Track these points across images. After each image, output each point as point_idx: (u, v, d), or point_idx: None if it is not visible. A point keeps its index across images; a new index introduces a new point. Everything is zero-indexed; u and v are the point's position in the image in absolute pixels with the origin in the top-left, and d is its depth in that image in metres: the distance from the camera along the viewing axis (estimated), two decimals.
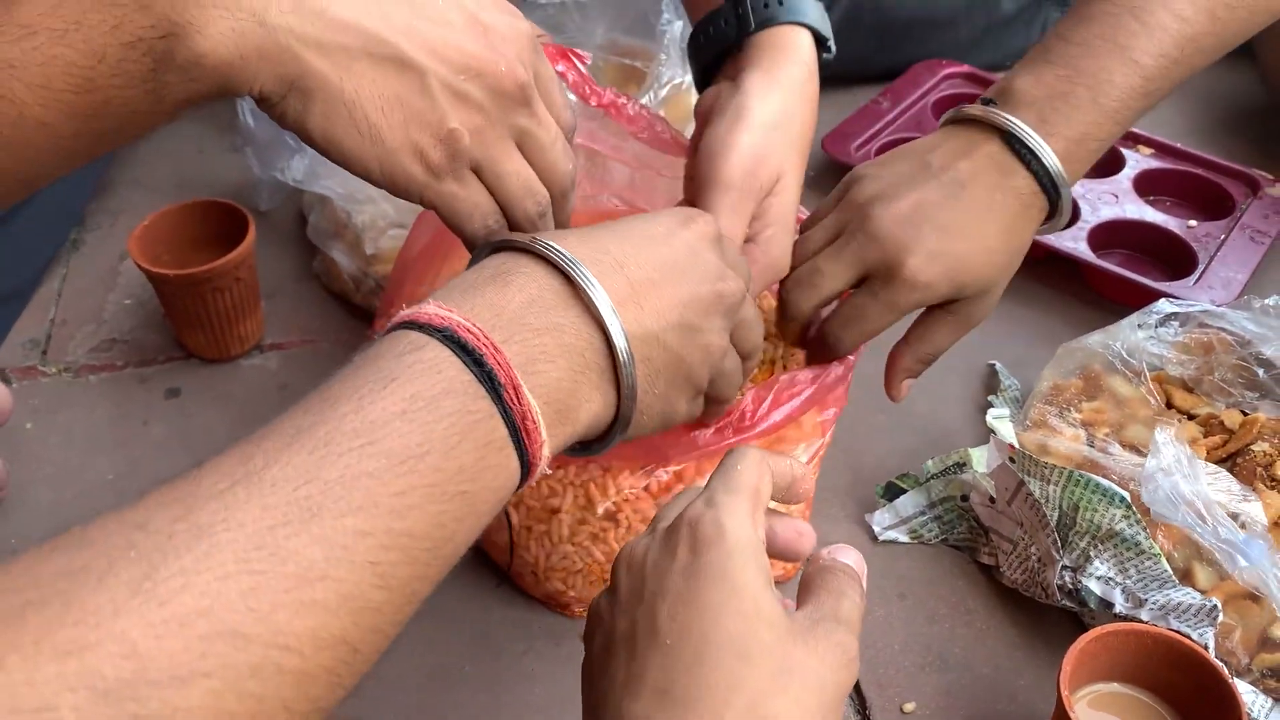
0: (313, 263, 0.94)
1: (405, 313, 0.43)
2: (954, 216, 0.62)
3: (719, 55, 0.66)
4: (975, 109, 0.64)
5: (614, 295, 0.46)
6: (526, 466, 0.42)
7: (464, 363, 0.41)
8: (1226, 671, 0.58)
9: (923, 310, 0.66)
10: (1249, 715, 0.61)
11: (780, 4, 0.64)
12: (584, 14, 1.02)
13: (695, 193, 0.60)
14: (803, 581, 0.48)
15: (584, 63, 0.66)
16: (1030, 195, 0.63)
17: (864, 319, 0.64)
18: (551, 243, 0.46)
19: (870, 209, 0.62)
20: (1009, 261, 0.65)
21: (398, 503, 0.37)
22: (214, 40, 0.43)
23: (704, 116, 0.64)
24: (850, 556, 0.49)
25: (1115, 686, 0.61)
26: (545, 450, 0.43)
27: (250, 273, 0.84)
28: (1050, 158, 0.62)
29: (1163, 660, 0.59)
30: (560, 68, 0.66)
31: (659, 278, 0.48)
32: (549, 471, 0.44)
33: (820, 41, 0.67)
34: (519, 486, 0.43)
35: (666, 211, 0.53)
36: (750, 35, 0.64)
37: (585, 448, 0.50)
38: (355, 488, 0.36)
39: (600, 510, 0.65)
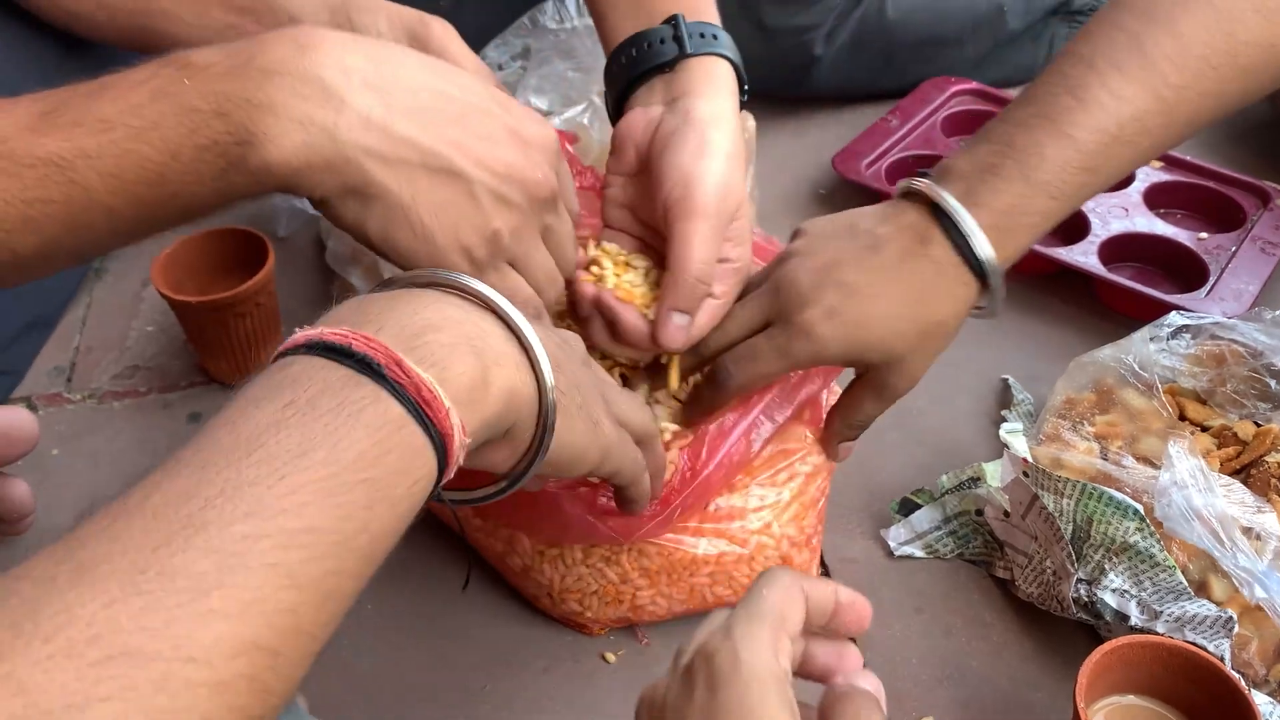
0: (331, 287, 0.95)
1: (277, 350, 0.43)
2: (860, 277, 0.61)
3: (643, 74, 0.66)
4: (916, 182, 0.63)
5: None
6: (441, 442, 0.41)
7: (336, 361, 0.40)
8: (1243, 683, 0.58)
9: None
10: None
11: (715, 38, 0.66)
12: (594, 38, 1.03)
13: (673, 222, 0.61)
14: (822, 709, 0.44)
15: (573, 143, 0.69)
16: (950, 266, 0.61)
17: (754, 359, 0.63)
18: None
19: (787, 260, 0.63)
20: (920, 331, 0.62)
21: (289, 502, 0.36)
22: (286, 151, 0.47)
23: (659, 144, 0.63)
24: (869, 681, 0.46)
25: (1131, 699, 0.61)
26: (454, 419, 0.41)
27: (271, 298, 0.85)
28: (969, 224, 0.60)
29: (1179, 672, 0.60)
30: None
31: None
32: (466, 446, 0.42)
33: (740, 79, 0.68)
34: (442, 465, 0.41)
35: None
36: (686, 59, 0.65)
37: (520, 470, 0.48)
38: (239, 497, 0.36)
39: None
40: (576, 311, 0.65)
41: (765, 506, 0.69)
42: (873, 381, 0.65)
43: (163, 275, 0.83)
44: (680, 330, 0.62)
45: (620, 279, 0.65)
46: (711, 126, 0.62)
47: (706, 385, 0.66)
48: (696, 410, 0.66)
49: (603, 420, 0.52)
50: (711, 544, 0.68)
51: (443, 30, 0.65)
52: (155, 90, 0.48)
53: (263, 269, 0.83)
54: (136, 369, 0.90)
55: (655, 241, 0.66)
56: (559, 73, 1.01)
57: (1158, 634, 0.64)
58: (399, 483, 0.40)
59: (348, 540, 0.38)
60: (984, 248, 0.60)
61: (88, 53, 0.86)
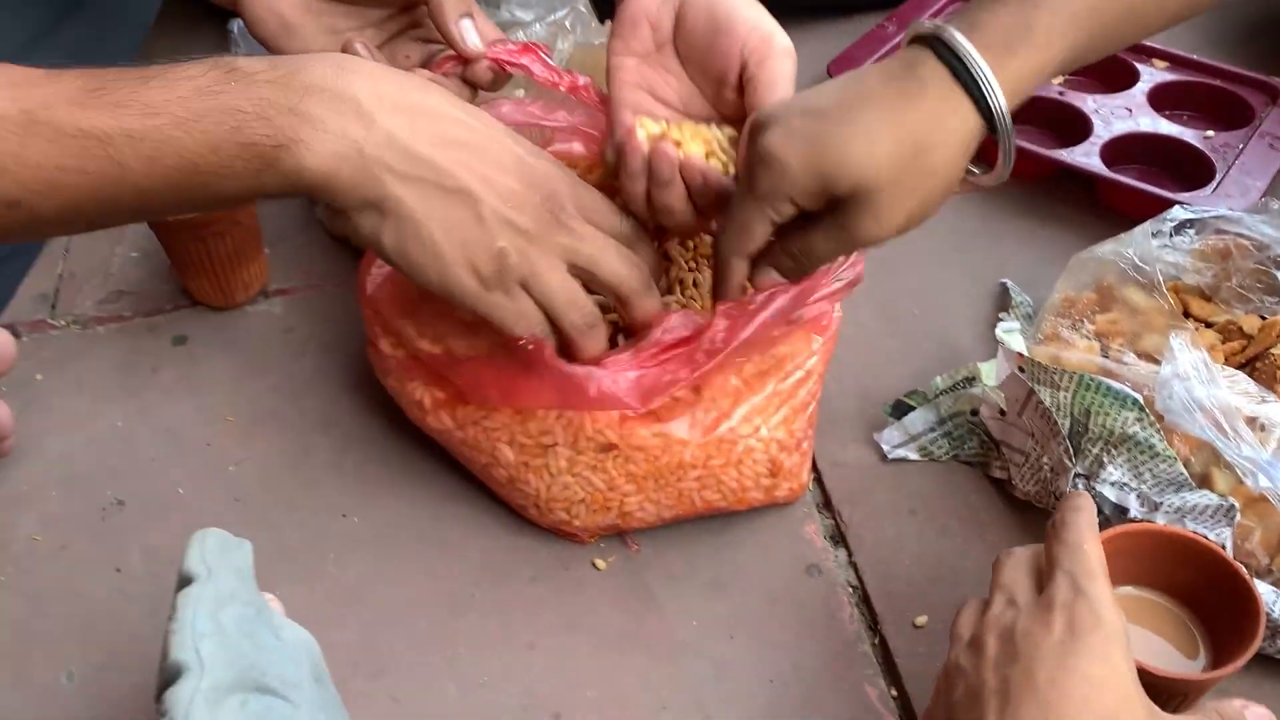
0: (315, 209, 0.94)
1: None
2: (832, 99, 0.56)
3: None
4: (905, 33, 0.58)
5: None
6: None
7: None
8: (1243, 568, 0.57)
9: None
10: (1268, 615, 0.59)
11: None
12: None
13: (759, 65, 0.63)
14: None
15: (549, 54, 0.68)
16: (940, 88, 0.54)
17: (731, 210, 0.59)
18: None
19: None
20: (900, 159, 0.54)
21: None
22: (320, 158, 0.52)
23: (700, 8, 0.64)
24: (1258, 713, 0.52)
25: (1130, 590, 0.60)
26: None
27: (250, 217, 0.84)
28: (960, 41, 0.53)
29: (1175, 559, 0.58)
30: (525, 60, 0.67)
31: None
32: None
33: None
34: None
35: None
36: None
37: None
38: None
39: (594, 444, 0.66)
40: (654, 179, 0.62)
41: (753, 410, 0.67)
42: (836, 217, 0.56)
43: None
44: None
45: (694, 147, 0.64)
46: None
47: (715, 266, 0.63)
48: (716, 294, 0.63)
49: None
50: (699, 448, 0.66)
51: None
52: (202, 87, 0.52)
53: None
54: (121, 294, 0.88)
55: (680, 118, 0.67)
56: None
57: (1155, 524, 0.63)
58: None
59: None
60: (979, 65, 0.53)
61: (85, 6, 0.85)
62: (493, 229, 0.56)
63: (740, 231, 0.59)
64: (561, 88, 0.69)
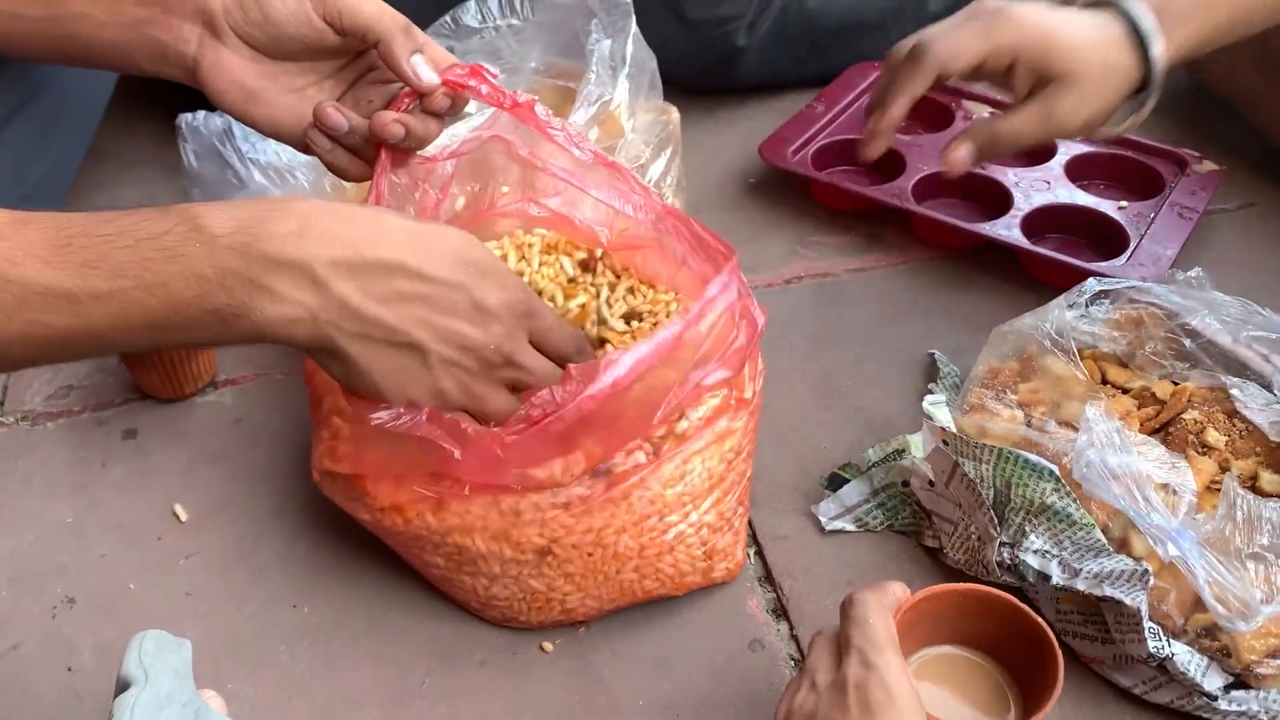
0: None
1: None
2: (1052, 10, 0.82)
3: None
4: None
5: None
6: None
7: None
8: (1039, 617, 0.58)
9: None
10: (1184, 674, 0.62)
11: None
12: (519, 38, 1.04)
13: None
14: None
15: (494, 75, 0.69)
16: (1116, 32, 0.81)
17: (957, 34, 0.84)
18: None
19: None
20: (1100, 64, 0.81)
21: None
22: (276, 323, 0.56)
23: None
24: None
25: (945, 649, 0.61)
26: None
27: None
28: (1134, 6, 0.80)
29: (982, 615, 0.59)
30: (473, 82, 0.68)
31: None
32: None
33: None
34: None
35: None
36: None
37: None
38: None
39: (527, 549, 0.67)
40: None
41: (681, 496, 0.68)
42: (1043, 100, 0.81)
43: None
44: None
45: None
46: None
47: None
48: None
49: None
50: (632, 539, 0.67)
51: None
52: (167, 249, 0.54)
53: None
54: (70, 389, 0.89)
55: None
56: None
57: (1078, 591, 0.65)
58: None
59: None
60: (1144, 16, 0.79)
61: (5, 70, 0.87)
62: (437, 373, 0.60)
63: (954, 49, 0.84)
64: (505, 106, 0.71)
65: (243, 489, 0.81)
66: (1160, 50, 0.80)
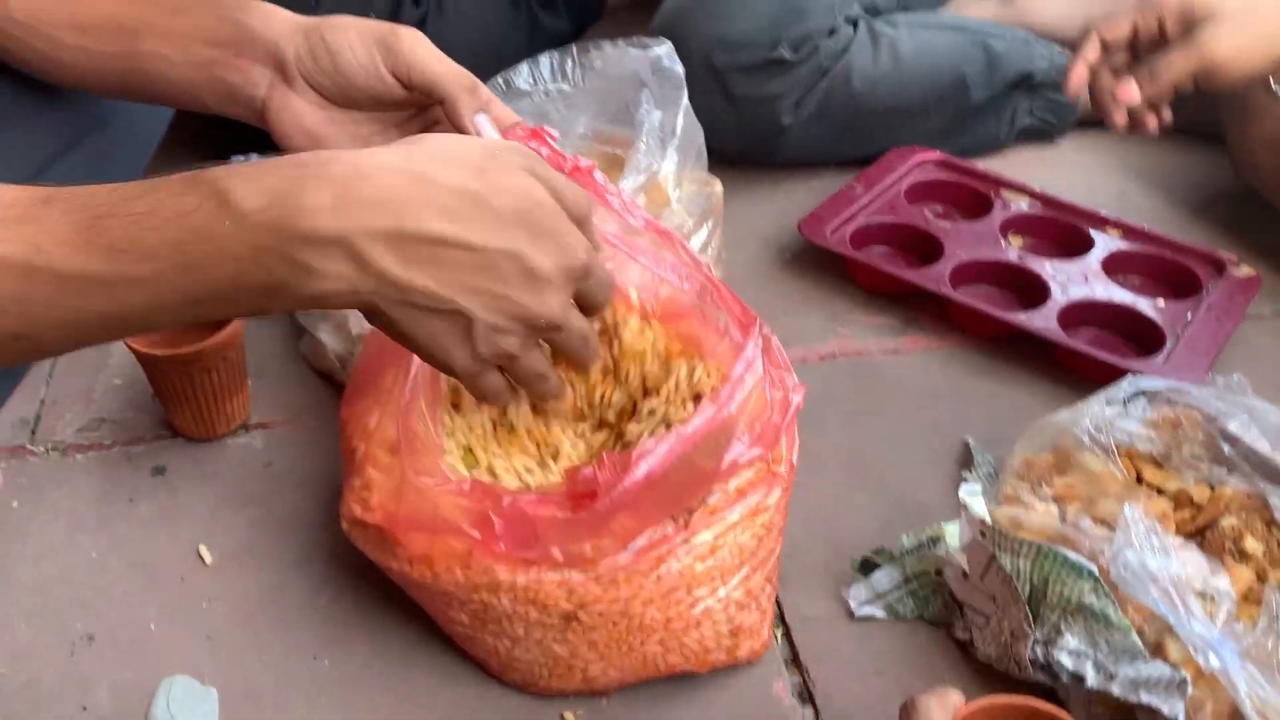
0: (300, 343, 0.96)
1: None
2: None
3: None
4: None
5: None
6: None
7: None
8: None
9: None
10: None
11: None
12: (568, 103, 1.05)
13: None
14: None
15: (554, 138, 0.70)
16: None
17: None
18: None
19: None
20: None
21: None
22: (315, 295, 0.54)
23: None
24: None
25: None
26: None
27: (238, 353, 0.86)
28: None
29: None
30: (534, 144, 0.69)
31: None
32: None
33: None
34: None
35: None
36: None
37: None
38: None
39: (553, 613, 0.66)
40: None
41: (710, 570, 0.68)
42: (1191, 35, 0.92)
43: None
44: None
45: None
46: None
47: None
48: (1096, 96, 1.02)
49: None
50: (657, 609, 0.67)
51: (411, 38, 0.68)
52: (197, 228, 0.51)
53: (231, 323, 0.83)
54: (102, 422, 0.90)
55: None
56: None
57: (1113, 695, 0.64)
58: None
59: None
60: None
61: (69, 101, 0.88)
62: (479, 338, 0.58)
63: (1112, 26, 0.96)
64: (565, 169, 0.71)
65: (269, 534, 0.81)
66: None
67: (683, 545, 0.67)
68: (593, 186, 0.71)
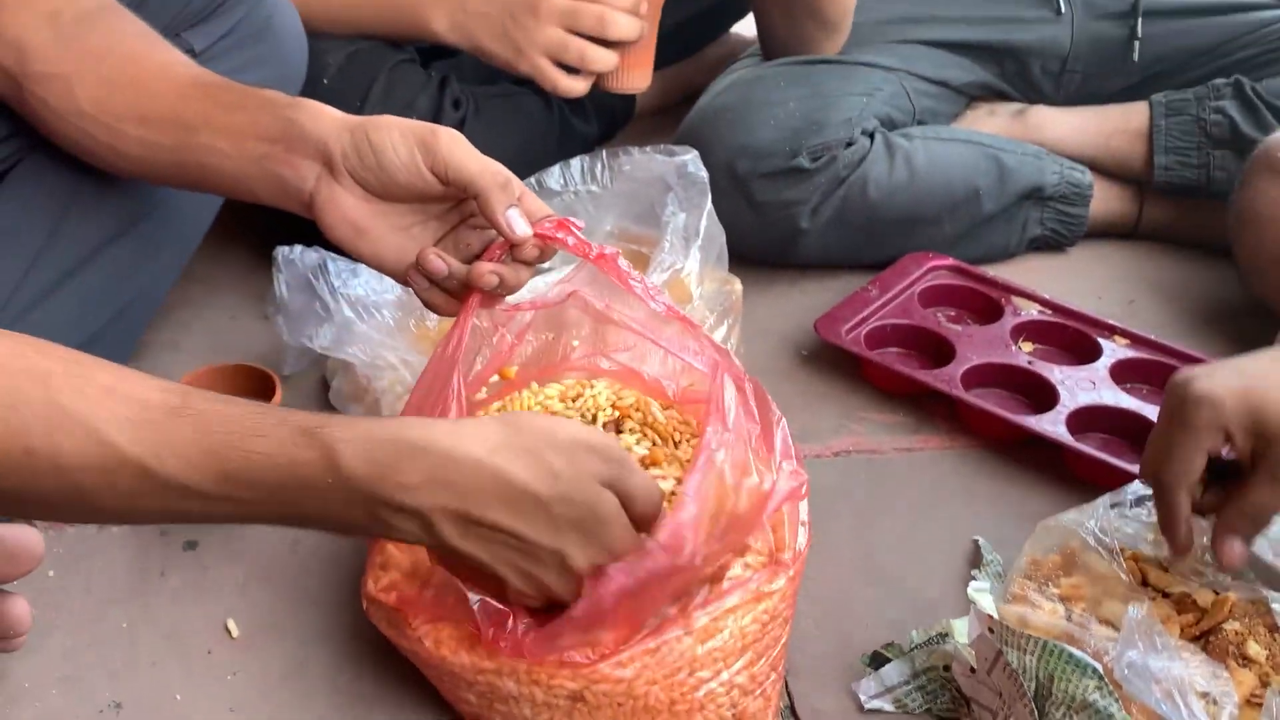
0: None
1: None
2: (1258, 365, 0.72)
3: None
4: None
5: None
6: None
7: None
8: None
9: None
10: None
11: None
12: (596, 203, 1.11)
13: None
14: None
15: (579, 228, 0.74)
16: None
17: (1159, 440, 0.73)
18: None
19: None
20: None
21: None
22: (387, 537, 0.65)
23: None
24: None
25: None
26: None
27: None
28: None
29: None
30: (560, 234, 0.74)
31: None
32: None
33: None
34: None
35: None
36: None
37: None
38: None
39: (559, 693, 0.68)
40: None
41: (714, 653, 0.69)
42: (1269, 461, 0.69)
43: None
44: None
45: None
46: None
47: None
48: (1171, 539, 0.76)
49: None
50: (661, 690, 0.68)
51: (450, 139, 0.73)
52: (304, 479, 0.59)
53: (273, 401, 0.87)
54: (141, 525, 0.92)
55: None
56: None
57: None
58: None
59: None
60: None
61: (125, 189, 0.93)
62: (510, 592, 0.65)
63: (1181, 466, 0.71)
64: (589, 256, 0.75)
65: (294, 611, 0.83)
66: None
67: (684, 626, 0.69)
68: (616, 272, 0.75)
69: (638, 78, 1.14)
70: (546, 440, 0.62)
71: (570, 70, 1.10)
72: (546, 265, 0.81)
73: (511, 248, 0.74)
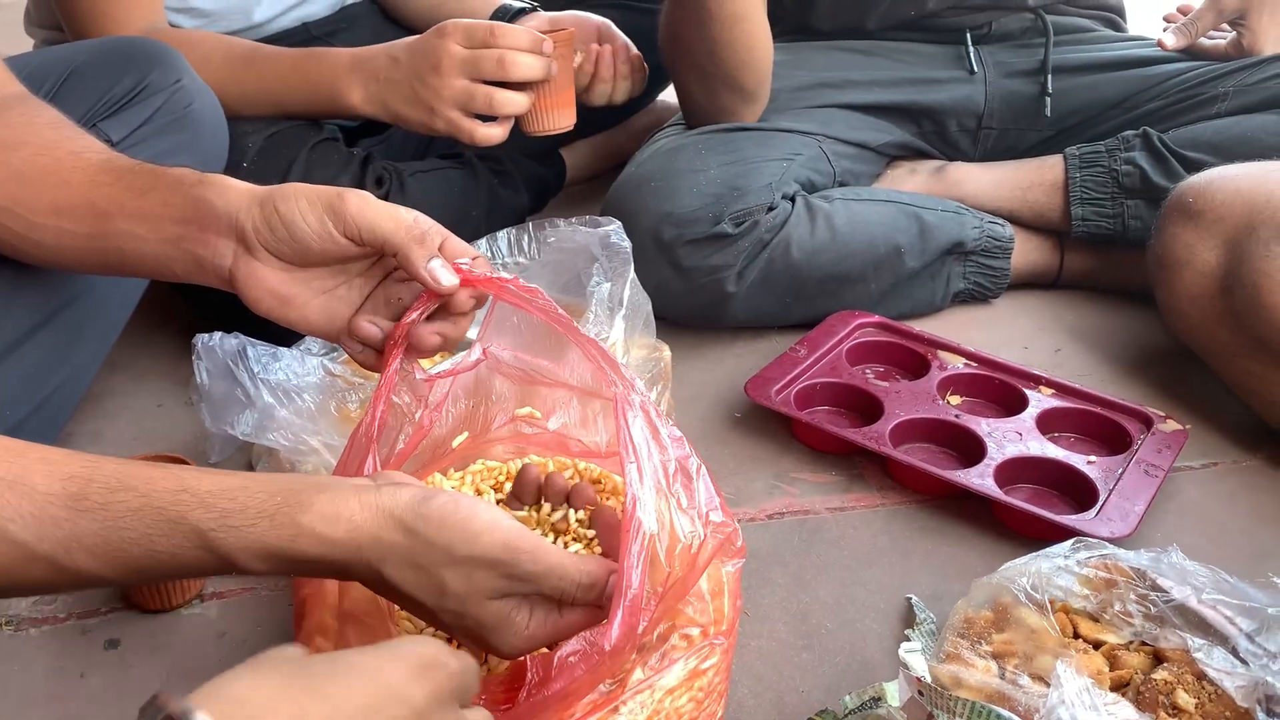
0: None
1: None
2: None
3: None
4: None
5: None
6: None
7: None
8: None
9: None
10: None
11: None
12: (524, 274, 1.11)
13: None
14: None
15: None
16: None
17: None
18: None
19: None
20: None
21: None
22: None
23: None
24: None
25: None
26: None
27: None
28: None
29: None
30: (480, 272, 0.73)
31: None
32: None
33: None
34: None
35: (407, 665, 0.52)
36: None
37: None
38: None
39: None
40: None
41: None
42: None
43: None
44: None
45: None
46: None
47: None
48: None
49: None
50: None
51: (358, 200, 0.72)
52: (210, 570, 0.60)
53: None
54: (57, 595, 0.90)
55: None
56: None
57: None
58: None
59: None
60: None
61: (42, 280, 0.92)
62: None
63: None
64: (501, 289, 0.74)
65: None
66: None
67: (618, 708, 0.67)
68: (517, 299, 0.74)
69: (559, 117, 1.15)
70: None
71: (488, 119, 1.11)
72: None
73: (443, 300, 0.74)
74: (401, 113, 1.13)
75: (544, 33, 1.11)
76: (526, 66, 1.09)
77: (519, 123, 1.14)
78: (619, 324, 1.00)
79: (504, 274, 0.74)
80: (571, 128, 1.17)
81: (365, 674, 0.49)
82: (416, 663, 0.51)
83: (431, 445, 0.82)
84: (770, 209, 1.17)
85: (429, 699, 0.50)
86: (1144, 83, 1.33)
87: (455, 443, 0.83)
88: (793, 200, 1.20)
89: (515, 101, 1.10)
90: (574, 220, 1.10)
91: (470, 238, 1.14)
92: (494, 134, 1.13)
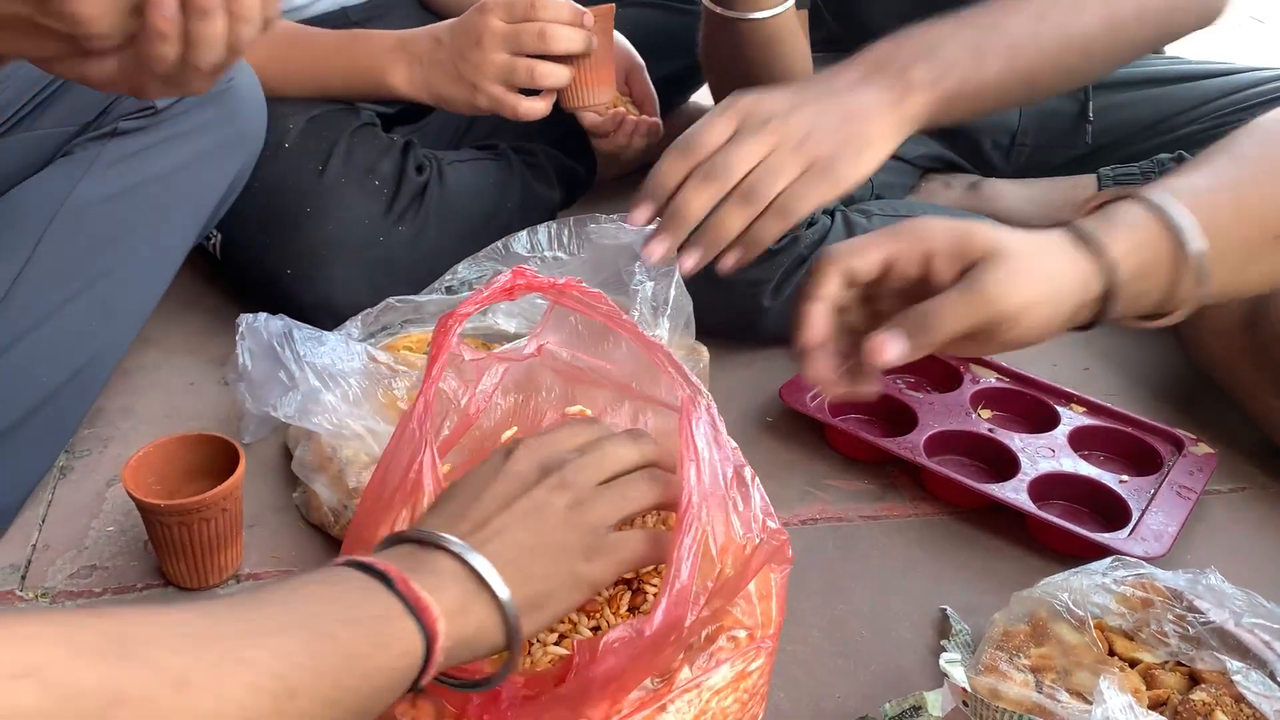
0: (293, 494, 0.97)
1: None
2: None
3: None
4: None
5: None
6: (428, 636, 0.55)
7: (362, 571, 0.56)
8: None
9: None
10: None
11: None
12: (563, 270, 1.11)
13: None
14: None
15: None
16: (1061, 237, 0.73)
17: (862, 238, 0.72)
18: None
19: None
20: (1025, 240, 0.70)
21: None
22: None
23: None
24: None
25: None
26: (442, 625, 0.55)
27: (236, 504, 0.87)
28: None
29: None
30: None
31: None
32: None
33: None
34: (426, 654, 0.55)
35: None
36: None
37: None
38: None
39: None
40: None
41: None
42: (969, 278, 0.68)
43: (134, 477, 0.85)
44: None
45: None
46: None
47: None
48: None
49: (575, 570, 0.63)
50: None
51: None
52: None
53: (232, 475, 0.85)
54: (93, 569, 0.90)
55: None
56: (528, 298, 1.08)
57: None
58: (387, 661, 0.53)
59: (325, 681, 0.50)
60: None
61: (83, 251, 0.93)
62: None
63: (852, 251, 0.71)
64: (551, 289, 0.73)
65: None
66: (1114, 255, 0.71)
67: (664, 709, 0.68)
68: (578, 305, 0.74)
69: (598, 93, 1.17)
70: None
71: (531, 93, 1.13)
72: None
73: None
74: (445, 93, 1.14)
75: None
76: (567, 39, 1.11)
77: (559, 97, 1.16)
78: (664, 323, 1.01)
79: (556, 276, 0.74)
80: (609, 103, 1.19)
81: None
82: None
83: (480, 436, 0.82)
84: (810, 224, 1.17)
85: None
86: (1181, 104, 1.34)
87: (505, 436, 0.83)
88: (832, 215, 1.20)
89: (557, 74, 1.12)
90: (616, 217, 1.10)
91: (504, 229, 1.15)
92: (537, 107, 1.14)
